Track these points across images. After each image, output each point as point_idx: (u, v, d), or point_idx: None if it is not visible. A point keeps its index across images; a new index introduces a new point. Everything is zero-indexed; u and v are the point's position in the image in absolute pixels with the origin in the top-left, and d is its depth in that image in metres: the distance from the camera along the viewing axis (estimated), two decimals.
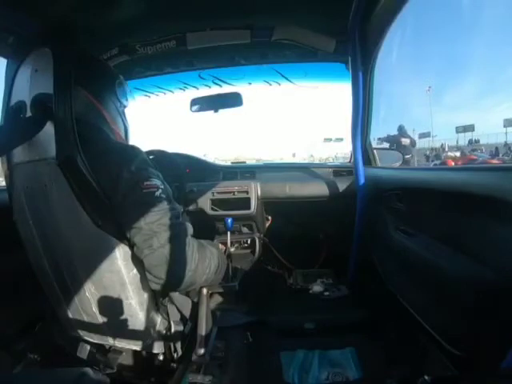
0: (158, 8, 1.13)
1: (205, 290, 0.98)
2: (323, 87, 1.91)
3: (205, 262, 0.90)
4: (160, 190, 0.81)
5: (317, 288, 1.66)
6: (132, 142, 1.07)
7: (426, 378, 0.83)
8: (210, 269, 0.92)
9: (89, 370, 0.58)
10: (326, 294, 1.62)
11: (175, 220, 0.82)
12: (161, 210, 0.79)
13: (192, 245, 0.85)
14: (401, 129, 6.07)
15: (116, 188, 0.78)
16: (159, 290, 0.85)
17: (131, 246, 0.82)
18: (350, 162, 1.85)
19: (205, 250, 0.92)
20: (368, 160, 1.47)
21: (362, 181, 1.37)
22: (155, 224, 0.78)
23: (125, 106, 1.03)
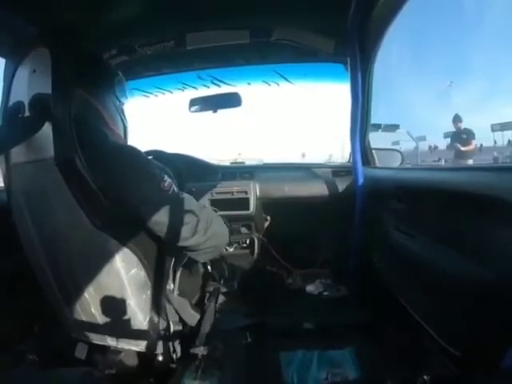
0: (158, 8, 1.13)
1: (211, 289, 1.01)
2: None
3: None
4: (174, 186, 0.87)
5: (316, 288, 1.66)
6: (131, 142, 1.07)
7: (426, 378, 0.83)
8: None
9: (92, 370, 0.58)
10: (326, 294, 1.62)
11: (194, 203, 0.94)
12: (185, 205, 0.88)
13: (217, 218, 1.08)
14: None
15: (123, 188, 0.80)
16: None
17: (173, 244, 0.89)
18: (349, 161, 1.85)
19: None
20: (367, 160, 1.47)
21: (361, 181, 1.37)
22: (190, 217, 0.88)
23: (123, 103, 1.03)
